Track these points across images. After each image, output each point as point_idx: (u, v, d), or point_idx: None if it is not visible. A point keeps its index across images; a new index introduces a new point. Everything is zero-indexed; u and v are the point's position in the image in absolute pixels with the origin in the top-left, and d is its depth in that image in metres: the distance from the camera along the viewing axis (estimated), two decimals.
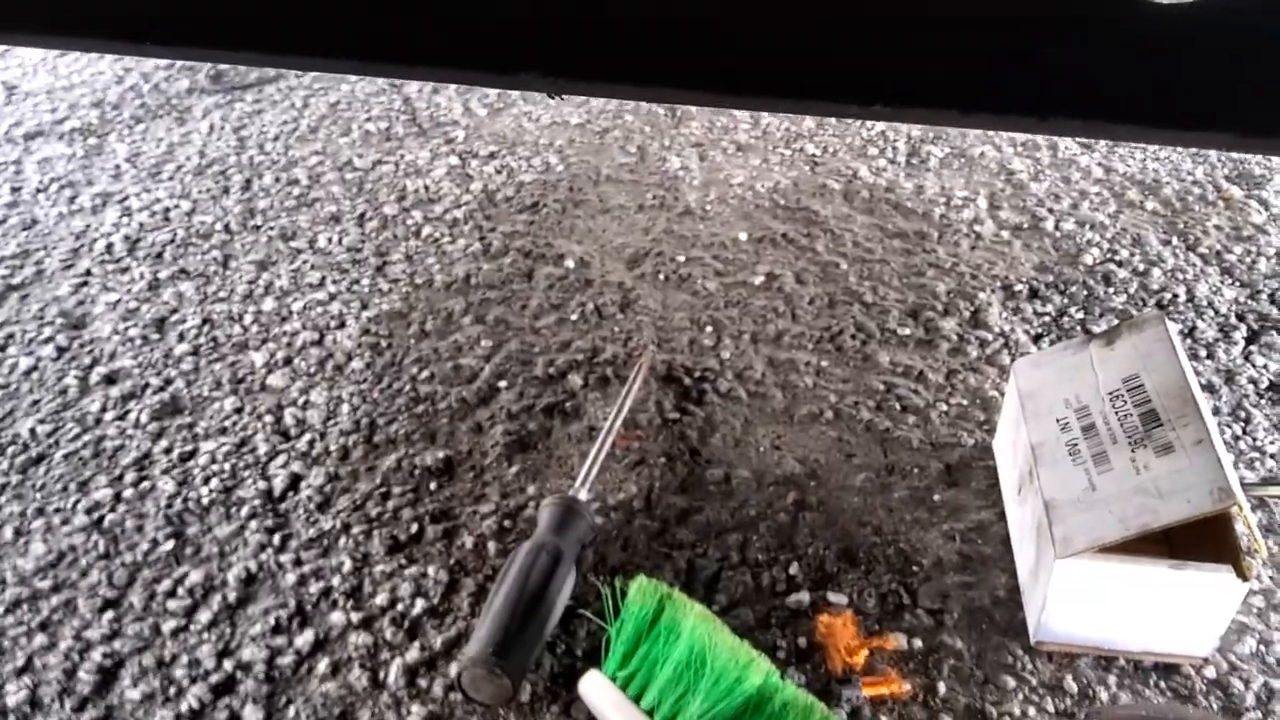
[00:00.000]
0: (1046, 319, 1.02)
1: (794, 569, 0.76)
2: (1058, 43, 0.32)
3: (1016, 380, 0.80)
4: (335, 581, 0.75)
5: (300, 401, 0.91)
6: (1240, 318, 1.02)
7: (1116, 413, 0.72)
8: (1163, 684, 0.68)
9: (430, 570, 0.76)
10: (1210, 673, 0.69)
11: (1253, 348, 0.98)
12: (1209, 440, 0.67)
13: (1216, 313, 1.02)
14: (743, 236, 1.14)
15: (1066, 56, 0.32)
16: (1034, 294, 1.05)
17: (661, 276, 1.08)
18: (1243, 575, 0.64)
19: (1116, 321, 1.01)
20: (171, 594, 0.75)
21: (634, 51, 0.35)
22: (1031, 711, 0.67)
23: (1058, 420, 0.74)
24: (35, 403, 0.92)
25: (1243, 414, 0.90)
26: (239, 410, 0.91)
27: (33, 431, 0.89)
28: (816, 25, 0.33)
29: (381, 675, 0.69)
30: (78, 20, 0.42)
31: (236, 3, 0.40)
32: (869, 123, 1.37)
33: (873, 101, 0.34)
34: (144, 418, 0.90)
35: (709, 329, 1.01)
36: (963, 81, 0.33)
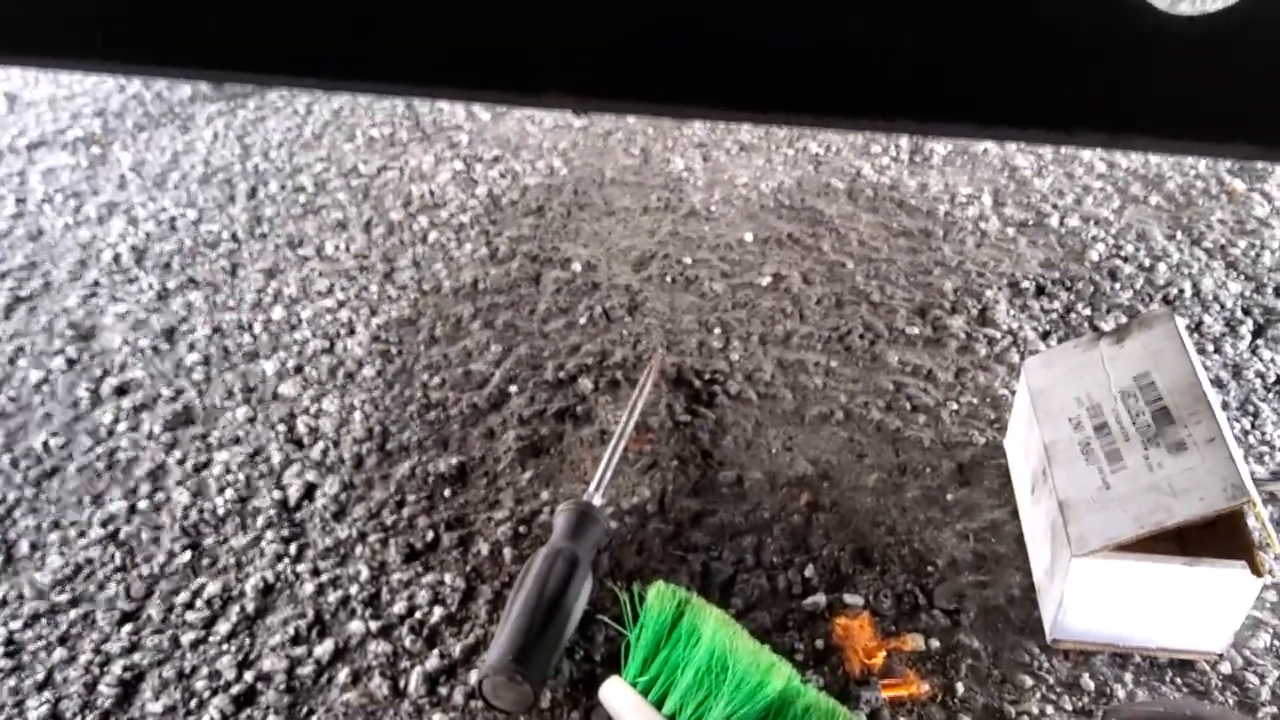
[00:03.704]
0: (1054, 315, 1.02)
1: (809, 571, 0.77)
2: (1079, 55, 0.32)
3: (1027, 379, 0.80)
4: (353, 590, 0.75)
5: (312, 410, 0.92)
6: (1246, 311, 1.02)
7: (1129, 411, 0.72)
8: (1178, 680, 0.69)
9: (447, 578, 0.76)
10: (1225, 668, 0.69)
11: (1259, 341, 0.98)
12: (1221, 437, 0.67)
13: (1223, 307, 1.03)
14: (748, 237, 1.15)
15: (1090, 69, 0.33)
16: (1040, 291, 1.05)
17: (668, 279, 1.09)
18: (1256, 571, 0.65)
19: (1125, 318, 1.01)
20: (190, 605, 0.75)
21: (659, 69, 0.35)
22: (1049, 710, 0.67)
23: (1070, 419, 0.75)
24: (47, 415, 0.92)
25: (1251, 408, 0.90)
26: (251, 420, 0.91)
27: (45, 445, 0.89)
28: (840, 42, 0.33)
29: (402, 683, 0.69)
30: (70, 40, 0.41)
31: (247, 22, 0.39)
32: None
33: (897, 116, 0.34)
34: (157, 428, 0.90)
35: (717, 331, 1.01)
36: (986, 94, 0.34)
